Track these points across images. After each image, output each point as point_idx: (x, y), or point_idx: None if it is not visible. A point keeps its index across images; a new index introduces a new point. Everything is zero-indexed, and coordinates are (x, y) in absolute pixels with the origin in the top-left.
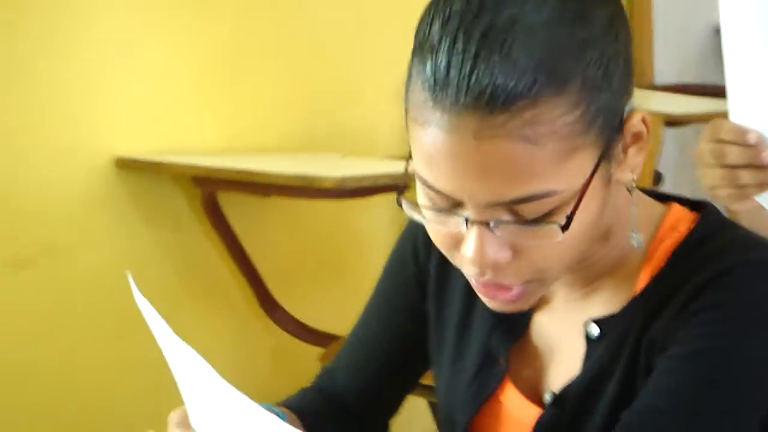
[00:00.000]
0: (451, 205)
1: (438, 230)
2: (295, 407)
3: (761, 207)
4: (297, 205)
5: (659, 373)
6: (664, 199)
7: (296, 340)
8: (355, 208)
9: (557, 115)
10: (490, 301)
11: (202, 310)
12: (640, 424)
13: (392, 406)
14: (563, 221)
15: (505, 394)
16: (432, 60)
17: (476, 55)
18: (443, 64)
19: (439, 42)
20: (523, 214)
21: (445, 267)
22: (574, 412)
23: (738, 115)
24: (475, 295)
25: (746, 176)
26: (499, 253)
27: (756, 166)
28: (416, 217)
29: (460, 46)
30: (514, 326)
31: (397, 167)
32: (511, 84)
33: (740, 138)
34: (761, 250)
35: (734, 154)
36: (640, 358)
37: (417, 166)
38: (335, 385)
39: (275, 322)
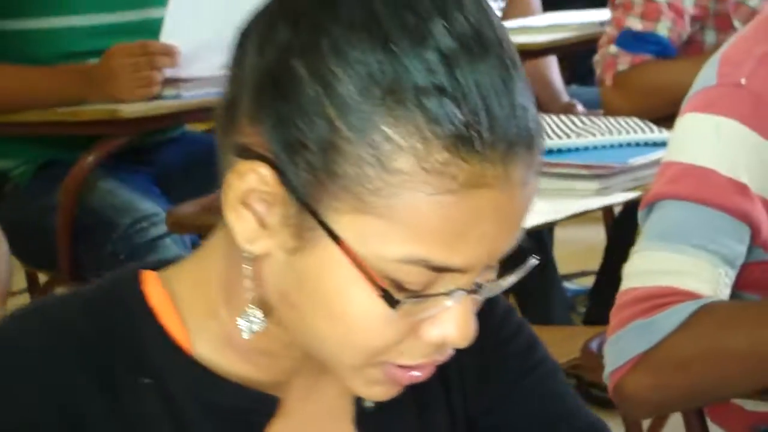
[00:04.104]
0: (429, 282)
1: (392, 324)
2: None
3: None
4: None
5: (527, 386)
6: None
7: None
8: None
9: None
10: (393, 387)
11: None
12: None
13: None
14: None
15: None
16: (458, 107)
17: (510, 91)
18: (480, 108)
19: (459, 86)
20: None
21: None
22: None
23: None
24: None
25: None
26: (474, 320)
27: None
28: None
29: (493, 86)
30: None
31: None
32: (534, 112)
33: None
34: None
35: None
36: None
37: (413, 249)
38: None
39: None
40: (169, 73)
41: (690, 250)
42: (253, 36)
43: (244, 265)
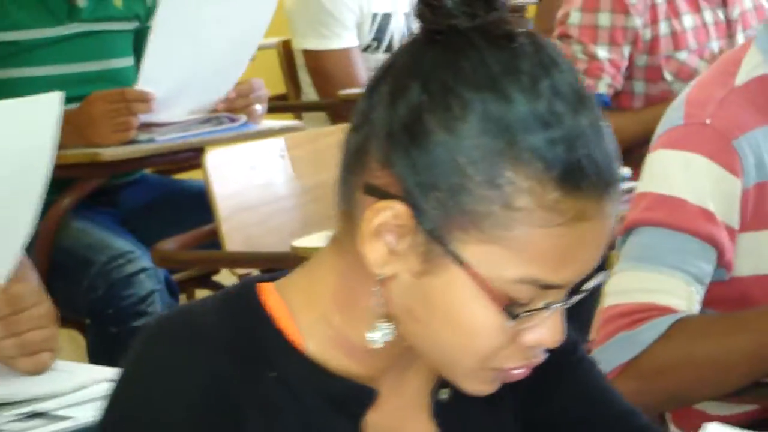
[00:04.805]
0: (534, 296)
1: (503, 332)
2: None
3: None
4: None
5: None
6: None
7: None
8: None
9: None
10: (493, 385)
11: None
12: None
13: None
14: None
15: None
16: (567, 155)
17: (603, 138)
18: (584, 155)
19: (567, 137)
20: None
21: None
22: None
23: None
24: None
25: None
26: (564, 325)
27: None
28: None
29: (591, 134)
30: None
31: None
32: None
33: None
34: None
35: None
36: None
37: (526, 271)
38: None
39: None
40: (143, 118)
41: (666, 270)
42: (382, 92)
43: (373, 288)
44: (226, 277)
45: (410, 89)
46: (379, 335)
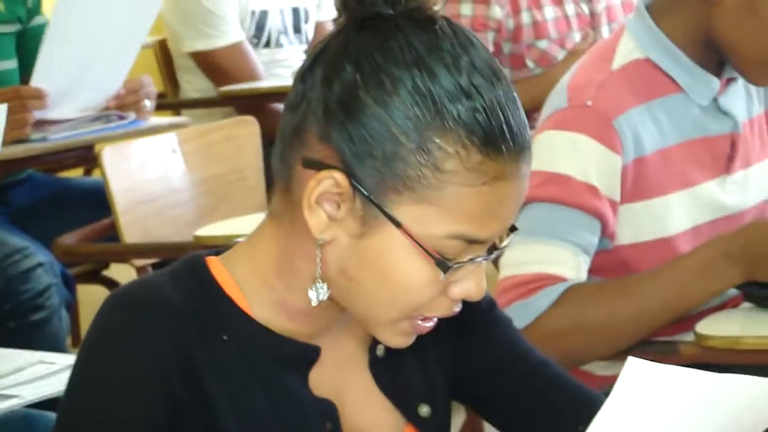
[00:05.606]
0: (460, 252)
1: (432, 286)
2: None
3: None
4: None
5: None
6: None
7: None
8: None
9: None
10: (410, 338)
11: None
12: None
13: None
14: None
15: None
16: (488, 122)
17: (518, 107)
18: (503, 122)
19: (487, 107)
20: None
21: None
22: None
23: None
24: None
25: None
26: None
27: None
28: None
29: (506, 104)
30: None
31: None
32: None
33: None
34: None
35: None
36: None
37: (455, 227)
38: None
39: None
40: (37, 115)
41: (556, 242)
42: (317, 74)
43: (313, 252)
44: (116, 272)
45: (344, 70)
46: (315, 295)
